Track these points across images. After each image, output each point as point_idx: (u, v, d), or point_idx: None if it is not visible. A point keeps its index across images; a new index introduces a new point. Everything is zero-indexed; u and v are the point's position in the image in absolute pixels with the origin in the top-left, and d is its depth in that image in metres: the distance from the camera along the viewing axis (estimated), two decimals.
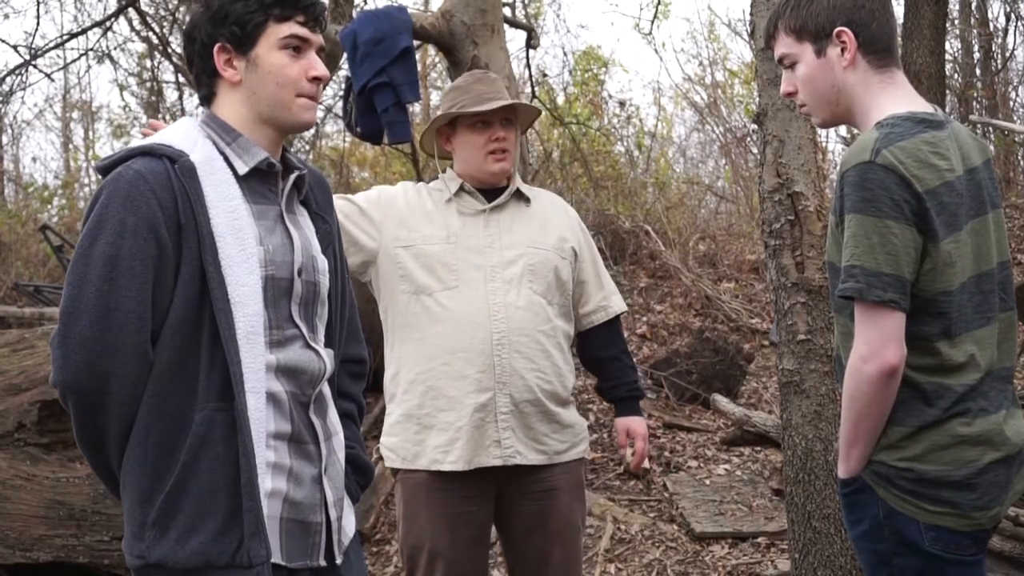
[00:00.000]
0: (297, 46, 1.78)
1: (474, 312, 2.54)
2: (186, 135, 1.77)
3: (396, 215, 2.66)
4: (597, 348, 2.81)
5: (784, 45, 1.95)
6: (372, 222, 2.66)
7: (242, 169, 1.77)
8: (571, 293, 2.72)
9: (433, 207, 2.68)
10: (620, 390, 2.81)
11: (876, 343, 1.74)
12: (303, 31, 1.79)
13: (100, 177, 1.73)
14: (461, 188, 2.68)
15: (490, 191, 2.70)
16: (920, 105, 1.88)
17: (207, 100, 1.83)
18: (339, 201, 2.66)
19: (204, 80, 1.81)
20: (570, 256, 2.71)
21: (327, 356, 1.85)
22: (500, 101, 2.63)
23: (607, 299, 2.79)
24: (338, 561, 1.83)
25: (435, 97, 13.02)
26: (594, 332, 2.79)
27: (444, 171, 2.75)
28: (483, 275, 2.58)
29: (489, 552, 2.74)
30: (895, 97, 1.88)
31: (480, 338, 2.53)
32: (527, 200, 2.73)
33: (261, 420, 1.69)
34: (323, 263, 1.87)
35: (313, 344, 1.82)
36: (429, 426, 2.56)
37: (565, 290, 2.69)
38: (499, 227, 2.65)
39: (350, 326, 1.98)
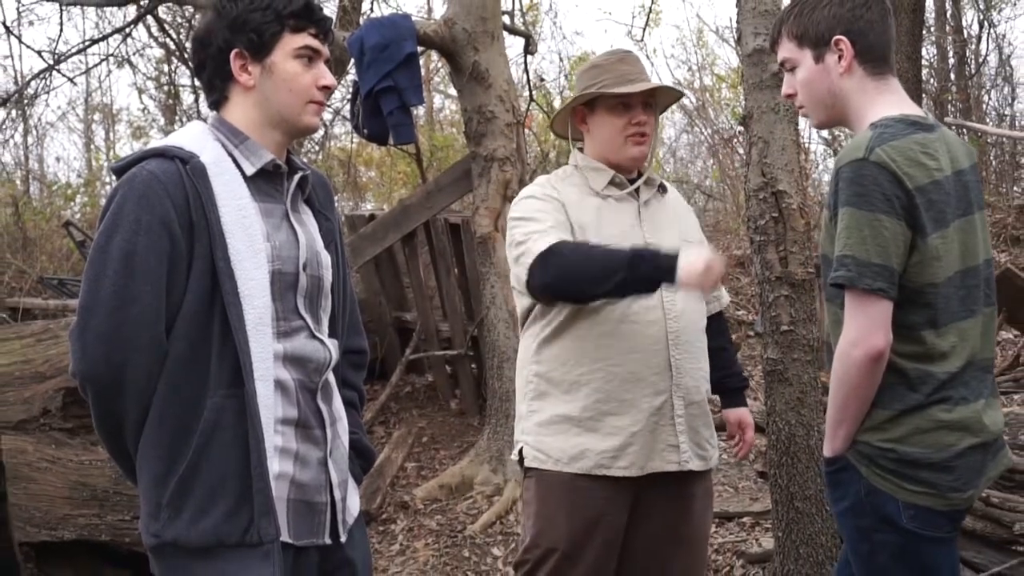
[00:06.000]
0: (310, 56, 1.80)
1: (649, 309, 2.30)
2: (196, 138, 1.77)
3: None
4: (708, 338, 2.51)
5: (786, 50, 1.96)
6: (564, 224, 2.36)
7: (249, 170, 1.77)
8: None
9: (579, 198, 2.39)
10: (730, 380, 2.60)
11: (864, 329, 1.75)
12: (315, 43, 1.80)
13: (116, 177, 1.73)
14: (611, 181, 2.42)
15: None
16: (912, 109, 1.89)
17: (217, 104, 1.83)
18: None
19: (217, 84, 1.81)
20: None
21: (332, 345, 1.85)
22: (645, 83, 2.40)
23: (718, 287, 2.52)
24: (343, 539, 1.84)
25: (437, 100, 13.00)
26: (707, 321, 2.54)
27: (572, 156, 2.50)
28: None
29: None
30: (888, 102, 1.88)
31: (656, 337, 2.30)
32: (663, 189, 2.51)
33: (269, 406, 1.69)
34: (326, 258, 1.87)
35: (318, 334, 1.82)
36: (592, 429, 2.30)
37: None
38: (652, 221, 2.42)
39: (351, 319, 1.98)
